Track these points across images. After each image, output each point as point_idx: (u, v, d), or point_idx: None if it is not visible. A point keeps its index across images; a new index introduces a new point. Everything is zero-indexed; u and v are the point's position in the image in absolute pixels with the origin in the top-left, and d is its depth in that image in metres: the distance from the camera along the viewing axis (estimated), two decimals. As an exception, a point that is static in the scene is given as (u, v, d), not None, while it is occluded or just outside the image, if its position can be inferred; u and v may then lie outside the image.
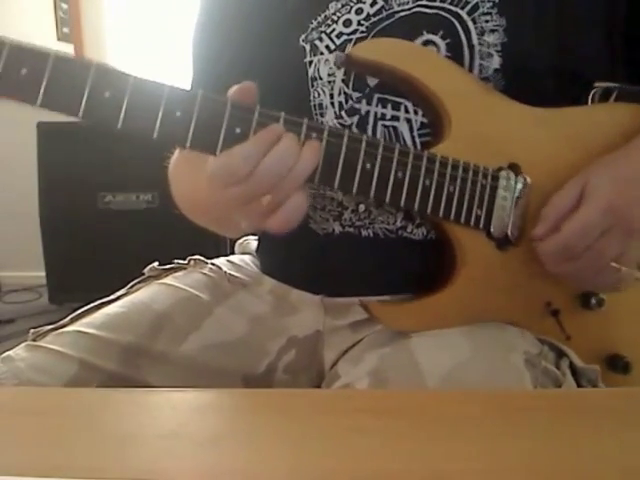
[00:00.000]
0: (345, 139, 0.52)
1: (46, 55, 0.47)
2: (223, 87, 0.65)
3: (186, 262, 0.76)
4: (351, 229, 0.61)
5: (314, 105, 0.61)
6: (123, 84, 0.48)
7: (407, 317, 0.57)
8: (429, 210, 0.55)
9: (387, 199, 0.53)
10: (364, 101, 0.59)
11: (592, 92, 0.61)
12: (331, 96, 0.60)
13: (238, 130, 0.50)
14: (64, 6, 2.79)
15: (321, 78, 0.61)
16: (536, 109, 0.57)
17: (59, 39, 2.82)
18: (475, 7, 0.57)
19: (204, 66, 0.71)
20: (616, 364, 0.61)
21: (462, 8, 0.57)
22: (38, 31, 2.80)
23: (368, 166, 0.52)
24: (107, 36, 2.84)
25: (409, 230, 0.60)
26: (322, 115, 0.61)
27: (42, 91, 0.47)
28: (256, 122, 0.49)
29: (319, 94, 0.61)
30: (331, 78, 0.60)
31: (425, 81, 0.55)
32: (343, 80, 0.60)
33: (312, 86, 0.61)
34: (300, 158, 0.49)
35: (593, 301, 0.59)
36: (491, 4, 0.57)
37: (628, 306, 0.62)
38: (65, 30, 2.81)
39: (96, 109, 0.48)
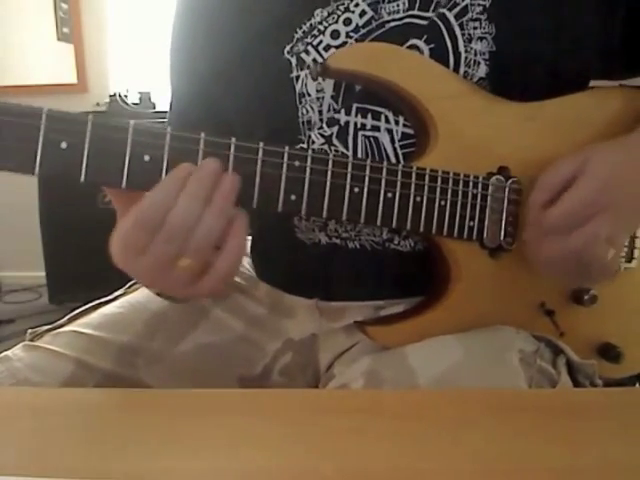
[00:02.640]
0: (330, 164, 0.49)
1: None
2: (205, 105, 0.63)
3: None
4: (337, 240, 0.61)
5: (302, 122, 0.58)
6: (81, 130, 0.43)
7: (402, 336, 0.56)
8: (422, 228, 0.53)
9: (378, 222, 0.52)
10: (343, 111, 0.57)
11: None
12: (320, 112, 0.58)
13: None
14: (64, 6, 2.78)
15: (309, 94, 0.58)
16: (524, 105, 0.56)
17: (59, 39, 2.81)
18: (464, 10, 0.55)
19: (184, 83, 0.68)
20: (608, 353, 0.62)
21: (450, 10, 0.55)
22: (38, 31, 2.80)
23: (356, 190, 0.50)
24: (107, 36, 2.84)
25: (396, 242, 0.60)
26: (311, 131, 0.59)
27: None
28: (233, 157, 0.47)
29: (307, 111, 0.58)
30: (320, 94, 0.58)
31: (406, 86, 0.54)
32: (332, 96, 0.57)
33: (300, 103, 0.58)
34: (214, 196, 0.45)
35: (586, 297, 0.59)
36: (481, 8, 0.55)
37: (619, 298, 0.62)
38: (65, 30, 2.81)
39: (53, 164, 0.43)
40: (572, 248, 0.51)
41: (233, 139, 0.47)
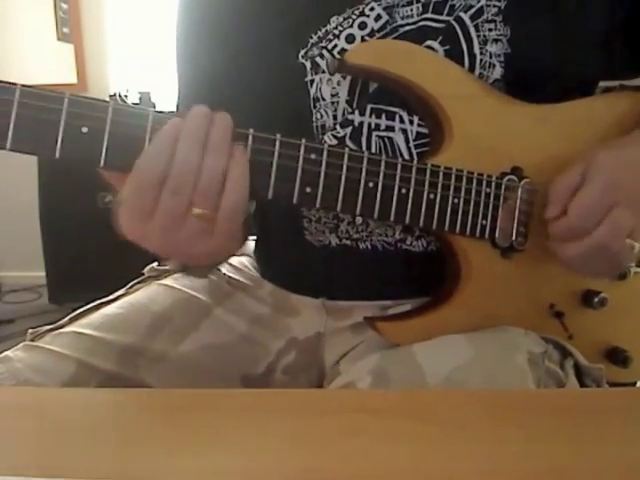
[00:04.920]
0: (346, 159, 0.50)
1: (12, 90, 0.43)
2: (215, 109, 0.62)
3: (185, 262, 0.75)
4: (348, 242, 0.60)
5: (317, 127, 0.58)
6: (101, 116, 0.44)
7: (412, 333, 0.57)
8: (434, 225, 0.53)
9: (392, 217, 0.52)
10: (357, 112, 0.57)
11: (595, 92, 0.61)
12: (334, 117, 0.58)
13: None
14: (64, 6, 2.79)
15: (324, 99, 0.58)
16: (537, 107, 0.57)
17: (59, 39, 2.81)
18: (479, 12, 0.55)
19: (191, 87, 0.68)
20: (616, 357, 0.62)
21: (465, 11, 0.55)
22: (38, 31, 2.80)
23: (371, 185, 0.51)
24: (107, 36, 2.84)
25: (408, 242, 0.60)
26: (325, 135, 0.58)
27: (11, 133, 0.43)
28: (250, 148, 0.47)
29: (322, 115, 0.58)
30: (334, 99, 0.58)
31: (422, 84, 0.54)
32: (347, 101, 0.57)
33: (314, 107, 0.58)
34: (210, 136, 0.45)
35: (595, 300, 0.59)
36: (496, 10, 0.55)
37: (628, 302, 0.62)
38: (65, 30, 2.81)
39: (74, 147, 0.44)
40: (599, 242, 0.51)
41: (251, 130, 0.48)
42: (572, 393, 0.52)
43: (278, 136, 0.48)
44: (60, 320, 0.65)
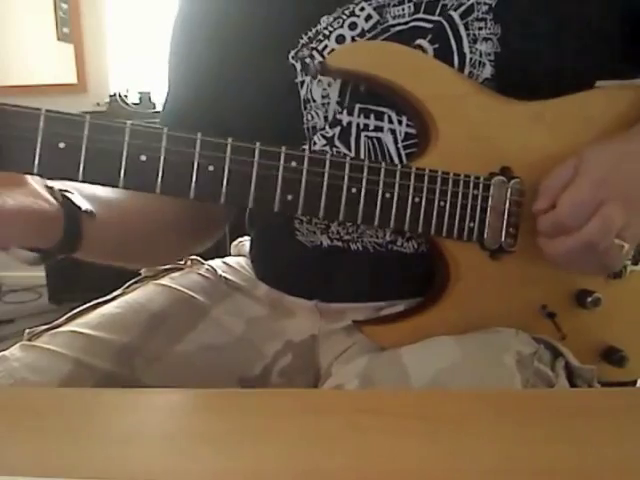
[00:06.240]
0: (327, 165, 0.49)
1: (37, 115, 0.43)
2: (204, 108, 0.62)
3: (183, 262, 0.76)
4: (339, 243, 0.60)
5: (307, 128, 0.58)
6: (78, 132, 0.44)
7: (400, 335, 0.56)
8: (420, 229, 0.53)
9: (376, 223, 0.51)
10: (345, 112, 0.56)
11: None
12: (325, 119, 0.57)
13: (211, 168, 0.47)
14: (64, 6, 2.79)
15: (314, 100, 0.57)
16: (529, 104, 0.56)
17: (59, 39, 2.82)
18: (469, 10, 0.55)
19: (182, 84, 0.68)
20: (612, 357, 0.61)
21: (455, 10, 0.55)
22: (38, 31, 2.80)
23: (354, 190, 0.50)
24: (107, 36, 2.84)
25: (399, 244, 0.59)
26: (314, 135, 0.58)
27: None
28: (229, 158, 0.47)
29: (312, 117, 0.58)
30: (325, 100, 0.57)
31: (405, 85, 0.53)
32: (338, 102, 0.57)
33: (305, 108, 0.58)
34: None
35: (589, 300, 0.58)
36: (487, 7, 0.55)
37: (623, 301, 0.61)
38: (65, 30, 2.81)
39: (52, 163, 0.44)
40: (587, 239, 0.49)
41: (230, 139, 0.47)
42: (566, 393, 0.52)
43: (257, 144, 0.48)
44: (57, 320, 0.65)
